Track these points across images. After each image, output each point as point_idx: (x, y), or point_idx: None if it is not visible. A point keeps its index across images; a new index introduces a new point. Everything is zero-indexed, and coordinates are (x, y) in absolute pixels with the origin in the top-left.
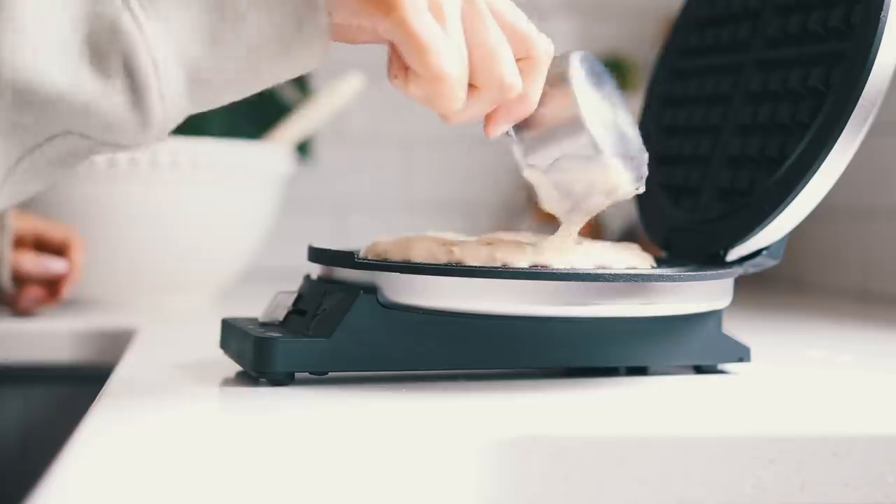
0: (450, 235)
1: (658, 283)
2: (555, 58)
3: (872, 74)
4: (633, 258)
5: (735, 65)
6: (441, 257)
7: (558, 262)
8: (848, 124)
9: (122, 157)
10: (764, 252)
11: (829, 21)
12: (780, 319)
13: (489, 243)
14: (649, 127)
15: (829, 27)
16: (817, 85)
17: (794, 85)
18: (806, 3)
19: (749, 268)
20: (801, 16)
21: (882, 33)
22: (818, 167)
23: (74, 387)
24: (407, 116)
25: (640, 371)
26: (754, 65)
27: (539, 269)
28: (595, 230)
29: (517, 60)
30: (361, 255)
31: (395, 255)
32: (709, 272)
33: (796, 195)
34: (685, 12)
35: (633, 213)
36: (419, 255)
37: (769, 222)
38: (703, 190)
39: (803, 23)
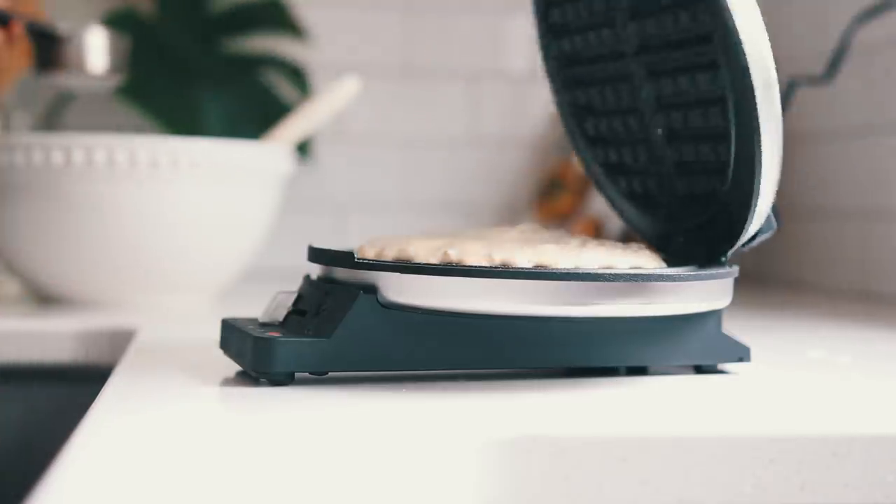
0: (443, 233)
1: (658, 283)
2: None
3: (752, 64)
4: (640, 259)
5: (624, 75)
6: (435, 258)
7: (562, 263)
8: (761, 120)
9: (122, 156)
10: (759, 234)
11: (683, 30)
12: (780, 319)
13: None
14: (578, 140)
15: (687, 36)
16: (709, 92)
17: (688, 94)
18: (659, 11)
19: (751, 247)
20: (660, 25)
21: (737, 30)
22: (761, 163)
23: (74, 387)
24: (407, 116)
25: (640, 371)
26: (644, 74)
27: (540, 269)
28: (596, 230)
29: None
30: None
31: (388, 257)
32: (709, 272)
33: (758, 193)
34: (541, 19)
35: None
36: (414, 257)
37: (749, 222)
38: (668, 199)
39: (666, 33)
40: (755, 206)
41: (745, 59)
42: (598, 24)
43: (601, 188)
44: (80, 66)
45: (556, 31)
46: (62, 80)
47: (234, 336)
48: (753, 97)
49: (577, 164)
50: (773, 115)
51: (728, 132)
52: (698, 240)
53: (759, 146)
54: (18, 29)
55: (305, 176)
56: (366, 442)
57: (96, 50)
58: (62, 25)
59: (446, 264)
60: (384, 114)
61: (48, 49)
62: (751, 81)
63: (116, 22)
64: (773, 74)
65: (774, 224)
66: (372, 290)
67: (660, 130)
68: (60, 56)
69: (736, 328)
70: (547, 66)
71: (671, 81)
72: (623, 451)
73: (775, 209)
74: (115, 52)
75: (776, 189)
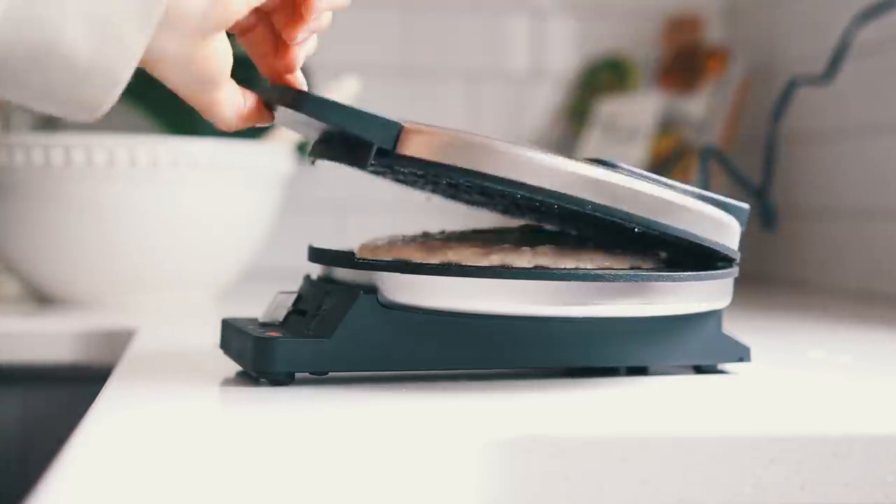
0: (443, 233)
1: (658, 283)
2: None
3: (628, 212)
4: (640, 259)
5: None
6: (435, 258)
7: (562, 263)
8: (666, 223)
9: (122, 156)
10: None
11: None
12: (780, 319)
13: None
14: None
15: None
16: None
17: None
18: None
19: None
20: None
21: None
22: (692, 237)
23: (74, 387)
24: (407, 116)
25: (640, 371)
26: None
27: (540, 270)
28: None
29: None
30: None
31: (388, 257)
32: (709, 272)
33: (717, 245)
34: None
35: None
36: (413, 257)
37: (732, 261)
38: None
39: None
40: (721, 250)
41: (621, 218)
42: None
43: None
44: None
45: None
46: None
47: (234, 336)
48: (649, 219)
49: None
50: (670, 214)
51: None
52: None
53: (681, 233)
54: None
55: (305, 176)
56: (366, 442)
57: None
58: None
59: (446, 264)
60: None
61: None
62: (646, 220)
63: None
64: (638, 190)
65: (746, 207)
66: (372, 290)
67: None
68: None
69: (736, 328)
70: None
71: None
72: (623, 451)
73: (774, 209)
74: None
75: (715, 224)
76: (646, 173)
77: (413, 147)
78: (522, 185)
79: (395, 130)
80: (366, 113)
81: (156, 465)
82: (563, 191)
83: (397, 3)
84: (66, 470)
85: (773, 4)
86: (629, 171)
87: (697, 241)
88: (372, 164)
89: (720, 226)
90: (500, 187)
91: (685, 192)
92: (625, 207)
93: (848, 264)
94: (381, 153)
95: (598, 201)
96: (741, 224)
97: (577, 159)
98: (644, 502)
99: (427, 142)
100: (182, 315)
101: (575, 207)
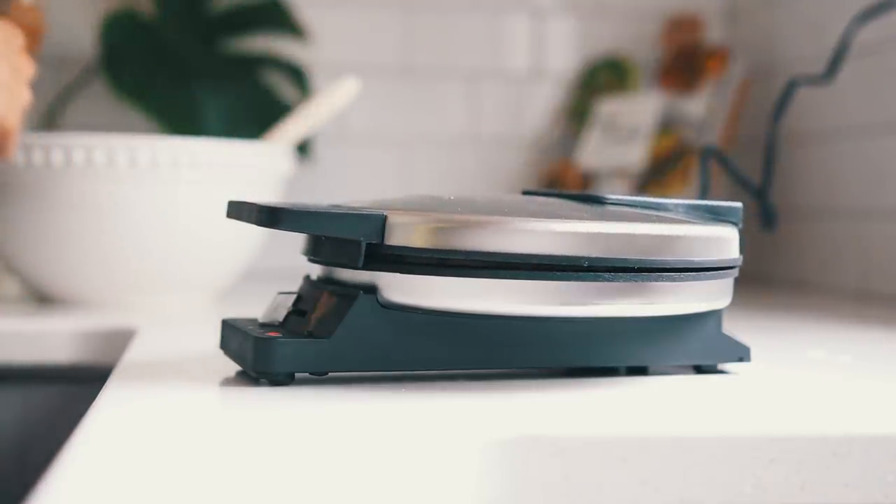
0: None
1: (658, 283)
2: None
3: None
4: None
5: None
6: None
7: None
8: None
9: (122, 156)
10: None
11: None
12: (780, 319)
13: None
14: None
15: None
16: None
17: None
18: None
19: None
20: None
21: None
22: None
23: (74, 387)
24: (407, 116)
25: (640, 371)
26: None
27: (539, 269)
28: None
29: None
30: None
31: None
32: (709, 272)
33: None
34: None
35: None
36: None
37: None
38: None
39: None
40: (723, 265)
41: (620, 265)
42: None
43: None
44: None
45: None
46: None
47: (234, 336)
48: (647, 259)
49: (576, 164)
50: (667, 248)
51: None
52: None
53: (681, 264)
54: None
55: (305, 176)
56: (366, 442)
57: None
58: None
59: (445, 264)
60: (384, 114)
61: None
62: (645, 261)
63: (116, 22)
64: (632, 234)
65: (739, 205)
66: (372, 290)
67: None
68: None
69: (736, 328)
70: None
71: None
72: (623, 451)
73: (774, 209)
74: None
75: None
76: (636, 200)
77: (399, 235)
78: (514, 255)
79: (380, 222)
80: (345, 214)
81: (156, 466)
82: (556, 252)
83: (397, 3)
84: (66, 470)
85: (773, 4)
86: (618, 202)
87: (699, 267)
88: (365, 261)
89: (718, 242)
90: (492, 260)
91: (677, 208)
92: (622, 255)
93: (847, 264)
94: (371, 246)
95: (593, 255)
96: (738, 223)
97: (566, 204)
98: (644, 502)
99: (413, 227)
100: (182, 315)
101: (571, 264)
